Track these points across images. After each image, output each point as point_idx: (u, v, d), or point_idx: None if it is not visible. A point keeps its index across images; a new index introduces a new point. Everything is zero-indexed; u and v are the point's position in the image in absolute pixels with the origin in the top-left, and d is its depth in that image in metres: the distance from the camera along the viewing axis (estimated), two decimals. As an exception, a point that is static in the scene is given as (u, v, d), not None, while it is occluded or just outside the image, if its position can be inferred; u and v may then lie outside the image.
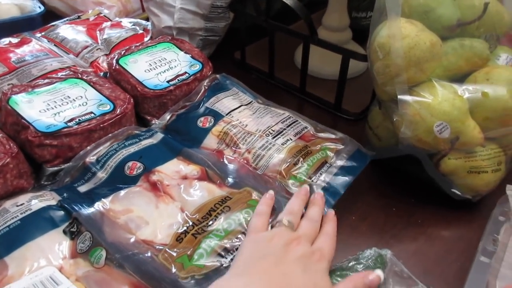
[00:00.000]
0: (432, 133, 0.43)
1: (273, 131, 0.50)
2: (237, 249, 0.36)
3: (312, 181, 0.44)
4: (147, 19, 0.76)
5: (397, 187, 0.51)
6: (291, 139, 0.49)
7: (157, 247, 0.37)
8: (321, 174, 0.44)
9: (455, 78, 0.45)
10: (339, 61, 0.59)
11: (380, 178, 0.53)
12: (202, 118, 0.52)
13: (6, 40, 0.68)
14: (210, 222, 0.38)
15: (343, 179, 0.45)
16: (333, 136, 0.50)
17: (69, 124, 0.47)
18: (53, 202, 0.41)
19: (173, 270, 0.34)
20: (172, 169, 0.46)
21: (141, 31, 0.71)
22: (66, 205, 0.40)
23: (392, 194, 0.50)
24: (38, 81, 0.53)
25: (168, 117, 0.54)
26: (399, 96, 0.44)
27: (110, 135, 0.49)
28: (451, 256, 0.43)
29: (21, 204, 0.40)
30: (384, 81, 0.45)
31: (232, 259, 0.35)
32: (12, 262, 0.35)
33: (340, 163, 0.46)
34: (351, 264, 0.38)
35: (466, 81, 0.45)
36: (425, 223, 0.47)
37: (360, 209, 0.48)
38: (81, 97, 0.51)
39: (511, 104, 0.42)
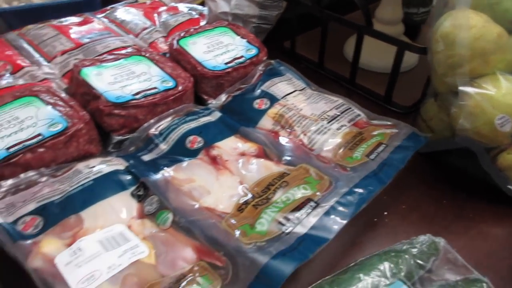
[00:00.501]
0: (492, 126, 0.43)
1: (328, 116, 0.51)
2: (297, 218, 0.37)
3: (370, 158, 0.44)
4: (201, 5, 0.78)
5: (448, 181, 0.51)
6: (346, 125, 0.50)
7: (220, 214, 0.39)
8: (378, 153, 0.45)
9: (517, 74, 0.45)
10: (390, 54, 0.60)
11: (431, 171, 0.53)
12: (258, 100, 0.54)
13: (70, 19, 0.71)
14: (269, 195, 0.40)
15: (401, 155, 0.45)
16: (387, 123, 0.51)
17: (136, 96, 0.49)
18: (121, 167, 0.44)
19: (236, 235, 0.36)
20: (230, 145, 0.48)
21: (196, 16, 0.74)
22: (133, 170, 0.43)
23: (443, 187, 0.50)
24: (104, 56, 0.56)
25: (224, 98, 0.56)
26: (460, 87, 0.44)
27: (171, 110, 0.51)
28: (504, 252, 0.43)
29: (93, 167, 0.43)
30: (445, 71, 0.46)
31: (293, 229, 0.36)
32: (87, 217, 0.38)
33: (396, 143, 0.46)
34: (405, 247, 0.38)
35: (531, 77, 0.44)
36: (477, 218, 0.47)
37: (410, 200, 0.49)
38: (145, 73, 0.54)
39: None
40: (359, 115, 0.52)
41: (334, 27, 0.66)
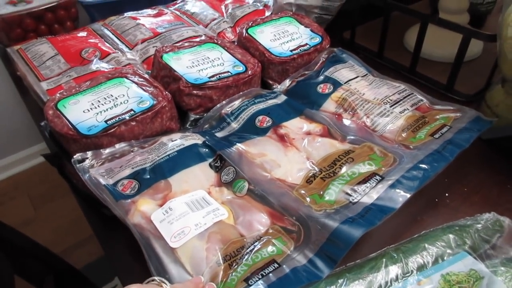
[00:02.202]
0: None
1: (390, 100, 0.53)
2: (364, 190, 0.40)
3: (434, 137, 0.46)
4: (266, -3, 0.82)
5: (511, 166, 0.51)
6: (408, 109, 0.52)
7: (290, 185, 0.43)
8: (442, 133, 0.46)
9: None
10: (453, 44, 0.60)
11: (494, 157, 0.53)
12: (321, 85, 0.57)
13: (146, 11, 0.78)
14: (336, 170, 0.43)
15: (466, 136, 0.46)
16: (450, 108, 0.52)
17: (212, 79, 0.54)
18: (199, 142, 0.49)
19: (307, 203, 0.40)
20: (296, 125, 0.51)
21: (261, 7, 0.78)
22: (210, 144, 0.48)
23: (507, 172, 0.51)
24: (181, 43, 0.62)
25: (288, 83, 0.60)
26: (531, 72, 0.44)
27: (241, 93, 0.56)
28: None
29: (175, 140, 0.48)
30: (515, 57, 0.46)
31: (360, 199, 0.39)
32: (174, 183, 0.43)
33: (460, 125, 0.47)
34: (469, 223, 0.40)
35: None
36: (543, 203, 0.47)
37: (472, 182, 0.50)
38: (218, 58, 0.58)
39: None
40: (421, 100, 0.54)
41: (393, 17, 0.67)
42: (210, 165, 0.46)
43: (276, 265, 0.35)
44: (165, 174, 0.44)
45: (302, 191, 0.42)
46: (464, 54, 0.60)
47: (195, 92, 0.53)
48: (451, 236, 0.38)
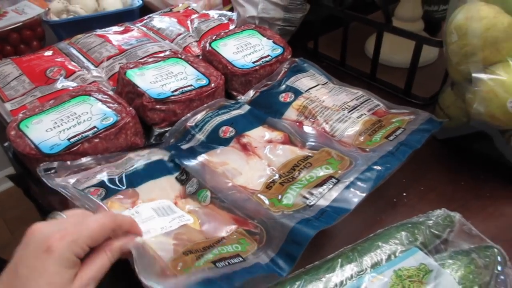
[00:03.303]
0: (505, 109, 0.45)
1: (349, 106, 0.55)
2: (320, 193, 0.41)
3: (388, 139, 0.48)
4: (230, 11, 0.84)
5: (465, 164, 0.54)
6: (365, 114, 0.54)
7: (251, 192, 0.44)
8: (396, 135, 0.48)
9: (531, 61, 0.47)
10: (409, 50, 0.63)
11: (448, 156, 0.56)
12: (283, 94, 0.59)
13: (113, 28, 0.79)
14: (295, 175, 0.45)
15: (419, 137, 0.48)
16: (405, 111, 0.54)
17: (175, 93, 0.55)
18: (166, 158, 0.49)
19: (266, 205, 0.41)
20: (258, 134, 0.52)
21: (226, 21, 0.80)
22: (176, 159, 0.49)
23: (460, 170, 0.53)
24: (146, 59, 0.63)
25: (252, 93, 0.61)
26: (473, 74, 0.47)
27: (205, 105, 0.57)
28: (520, 227, 0.46)
29: (143, 155, 0.49)
30: (459, 60, 0.49)
31: (316, 202, 0.40)
32: (141, 192, 0.44)
33: (414, 127, 0.50)
34: (421, 219, 0.42)
35: (543, 62, 0.47)
36: (494, 197, 0.49)
37: (428, 181, 0.52)
38: (182, 72, 0.60)
39: None
40: (378, 105, 0.56)
41: (354, 26, 0.70)
42: (176, 178, 0.47)
43: (241, 258, 0.36)
44: (132, 184, 0.44)
45: (262, 196, 0.43)
46: (418, 60, 0.63)
47: (158, 106, 0.54)
48: (403, 233, 0.40)
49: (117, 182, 0.44)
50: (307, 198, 0.41)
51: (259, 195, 0.43)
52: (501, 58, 0.47)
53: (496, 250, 0.38)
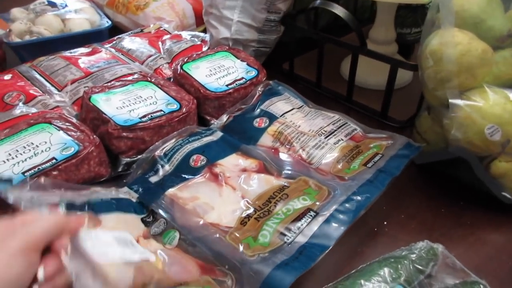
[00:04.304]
0: (483, 136, 0.45)
1: (325, 131, 0.53)
2: (298, 228, 0.38)
3: (367, 166, 0.46)
4: (203, 32, 0.82)
5: (444, 190, 0.53)
6: (343, 139, 0.52)
7: (224, 229, 0.41)
8: (374, 162, 0.47)
9: (506, 86, 0.47)
10: (385, 72, 0.62)
11: (428, 182, 0.54)
12: (258, 119, 0.57)
13: (80, 50, 0.76)
14: (271, 208, 0.42)
15: (397, 163, 0.47)
16: (383, 135, 0.53)
17: (143, 119, 0.52)
18: (134, 200, 0.45)
19: (241, 249, 0.38)
20: (232, 162, 0.50)
21: (199, 42, 0.77)
22: (143, 201, 0.45)
23: (440, 197, 0.52)
24: (113, 82, 0.59)
25: (226, 118, 0.59)
26: (450, 100, 0.46)
27: (175, 132, 0.54)
28: (502, 256, 0.44)
29: (110, 192, 0.45)
30: (435, 86, 0.48)
31: (294, 239, 0.38)
32: (104, 220, 0.40)
33: (392, 152, 0.48)
34: (404, 253, 0.40)
35: (517, 88, 0.46)
36: (475, 225, 0.48)
37: (409, 209, 0.50)
38: (151, 97, 0.57)
39: None
40: (355, 129, 0.55)
41: (330, 48, 0.70)
42: (142, 220, 0.43)
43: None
44: (95, 211, 0.40)
45: (237, 234, 0.40)
46: (393, 83, 0.63)
47: (125, 134, 0.51)
48: (386, 269, 0.37)
49: (79, 206, 0.40)
50: (284, 235, 0.38)
51: (233, 233, 0.40)
52: (476, 83, 0.46)
53: (482, 286, 0.36)
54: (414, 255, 0.39)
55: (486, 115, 0.44)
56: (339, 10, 0.61)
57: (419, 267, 0.38)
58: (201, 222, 0.41)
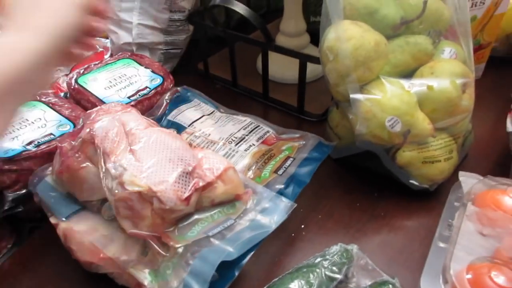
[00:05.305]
0: (385, 128, 0.45)
1: (236, 138, 0.51)
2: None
3: (278, 174, 0.45)
4: (106, 37, 0.75)
5: (359, 183, 0.53)
6: (254, 145, 0.50)
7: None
8: (285, 168, 0.45)
9: (404, 74, 0.47)
10: (297, 66, 0.61)
11: (343, 176, 0.54)
12: (165, 131, 0.53)
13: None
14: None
15: (307, 168, 0.46)
16: (295, 136, 0.52)
17: (28, 147, 0.46)
18: None
19: None
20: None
21: (100, 49, 0.71)
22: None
23: (356, 190, 0.52)
24: (-6, 107, 0.52)
25: (131, 133, 0.54)
26: (351, 95, 0.46)
27: (72, 155, 0.49)
28: (413, 245, 0.45)
29: None
30: (336, 81, 0.47)
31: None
32: None
33: (303, 155, 0.47)
34: (317, 260, 0.39)
35: (414, 76, 0.47)
36: (388, 215, 0.49)
37: (326, 207, 0.50)
38: (40, 119, 0.51)
39: (454, 95, 0.44)
40: (268, 131, 0.53)
41: (245, 45, 0.67)
42: None
43: None
44: None
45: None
46: (305, 77, 0.61)
47: (7, 167, 0.44)
48: (297, 282, 0.36)
49: None
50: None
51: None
52: (374, 76, 0.46)
53: (391, 286, 0.36)
54: (327, 262, 0.38)
55: (385, 107, 0.44)
56: (239, 7, 0.58)
57: (331, 274, 0.37)
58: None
